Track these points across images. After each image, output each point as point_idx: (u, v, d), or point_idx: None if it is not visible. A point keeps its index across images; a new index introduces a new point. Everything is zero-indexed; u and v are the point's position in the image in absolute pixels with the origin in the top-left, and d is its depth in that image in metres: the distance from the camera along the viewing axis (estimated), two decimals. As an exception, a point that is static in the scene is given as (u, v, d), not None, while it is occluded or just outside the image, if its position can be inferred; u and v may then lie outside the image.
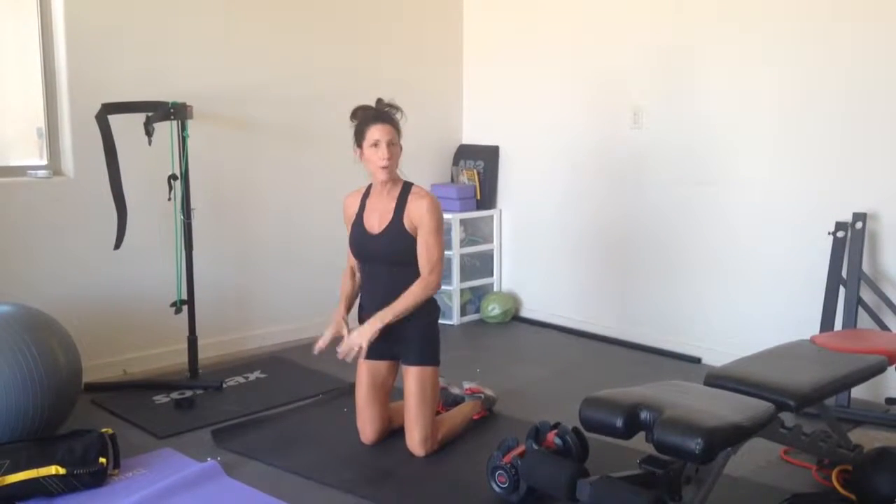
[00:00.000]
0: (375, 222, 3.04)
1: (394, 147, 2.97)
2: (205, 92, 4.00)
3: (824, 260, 3.64)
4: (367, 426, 3.09)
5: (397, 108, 3.06)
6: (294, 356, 4.24)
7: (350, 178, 4.60)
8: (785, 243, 3.86)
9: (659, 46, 4.26)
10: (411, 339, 3.02)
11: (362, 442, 3.10)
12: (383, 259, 3.01)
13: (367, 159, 3.00)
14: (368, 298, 3.11)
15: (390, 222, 3.00)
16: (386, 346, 3.06)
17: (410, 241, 3.00)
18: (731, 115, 4.01)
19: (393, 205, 3.02)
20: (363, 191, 3.14)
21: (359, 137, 3.01)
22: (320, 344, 3.04)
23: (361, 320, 3.11)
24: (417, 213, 2.98)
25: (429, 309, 3.07)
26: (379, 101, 3.07)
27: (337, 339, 3.02)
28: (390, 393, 3.16)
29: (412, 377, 3.01)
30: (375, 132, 2.95)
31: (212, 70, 4.09)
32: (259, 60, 4.28)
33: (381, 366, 3.10)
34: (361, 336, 2.93)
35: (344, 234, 3.21)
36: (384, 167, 2.96)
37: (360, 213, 3.09)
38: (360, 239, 3.07)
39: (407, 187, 3.05)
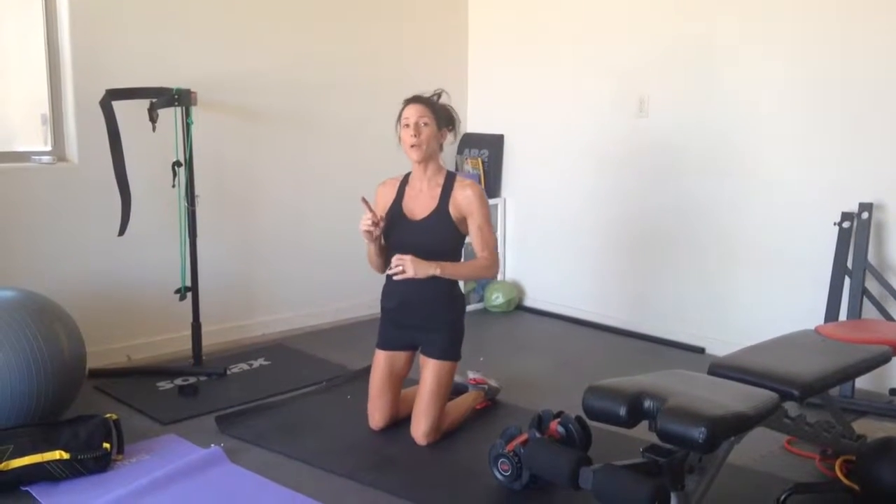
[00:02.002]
0: (417, 209, 3.02)
1: (425, 127, 2.96)
2: (209, 79, 3.99)
3: (830, 250, 3.63)
4: (376, 413, 3.10)
5: (439, 95, 3.05)
6: (298, 344, 4.25)
7: (353, 166, 4.62)
8: (790, 233, 3.85)
9: (666, 36, 4.24)
10: (437, 332, 3.01)
11: (368, 427, 3.11)
12: (421, 246, 2.94)
13: (401, 140, 3.02)
14: (393, 288, 3.02)
15: (435, 208, 2.99)
16: (408, 336, 3.07)
17: (453, 228, 2.98)
18: (737, 106, 3.98)
19: (438, 191, 3.01)
20: (400, 178, 3.12)
21: (398, 122, 3.04)
22: (368, 217, 2.94)
23: (383, 312, 3.11)
24: (466, 203, 2.97)
25: (459, 304, 3.08)
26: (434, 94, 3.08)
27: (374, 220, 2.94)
28: (403, 382, 3.17)
29: (430, 370, 3.01)
30: (407, 112, 2.99)
31: (216, 57, 4.08)
32: (263, 49, 4.26)
33: (401, 356, 3.12)
34: (416, 265, 2.86)
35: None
36: (412, 145, 2.96)
37: (399, 200, 3.06)
38: (398, 225, 3.02)
39: (451, 177, 3.05)
